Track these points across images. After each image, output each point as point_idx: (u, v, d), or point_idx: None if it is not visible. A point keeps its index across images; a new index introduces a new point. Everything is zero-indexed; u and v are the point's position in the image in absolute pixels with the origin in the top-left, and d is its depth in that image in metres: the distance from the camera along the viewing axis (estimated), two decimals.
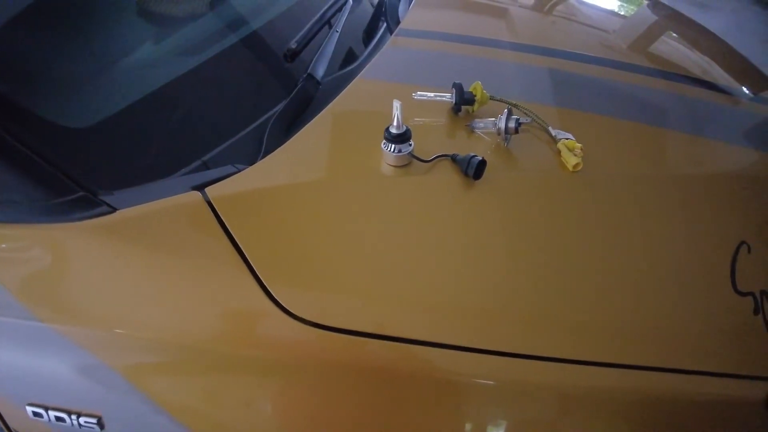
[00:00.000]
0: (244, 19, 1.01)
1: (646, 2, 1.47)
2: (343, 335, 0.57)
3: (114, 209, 0.64)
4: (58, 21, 0.72)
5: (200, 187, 0.67)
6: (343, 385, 0.58)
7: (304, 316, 0.58)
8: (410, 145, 0.69)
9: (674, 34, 1.27)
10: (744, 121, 0.94)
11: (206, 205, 0.65)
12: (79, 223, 0.63)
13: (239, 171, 0.70)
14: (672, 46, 1.21)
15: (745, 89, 1.07)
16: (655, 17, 1.37)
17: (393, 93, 0.85)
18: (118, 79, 0.75)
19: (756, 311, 0.63)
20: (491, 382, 0.57)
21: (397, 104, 0.65)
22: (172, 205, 0.65)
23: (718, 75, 1.10)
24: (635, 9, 1.44)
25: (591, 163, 0.73)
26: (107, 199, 0.64)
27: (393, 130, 0.68)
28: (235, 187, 0.67)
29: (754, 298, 0.64)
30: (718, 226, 0.72)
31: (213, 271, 0.61)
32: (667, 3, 1.45)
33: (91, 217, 0.63)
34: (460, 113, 0.80)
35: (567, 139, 0.75)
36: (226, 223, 0.63)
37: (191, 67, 0.83)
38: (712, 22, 3.58)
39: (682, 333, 0.61)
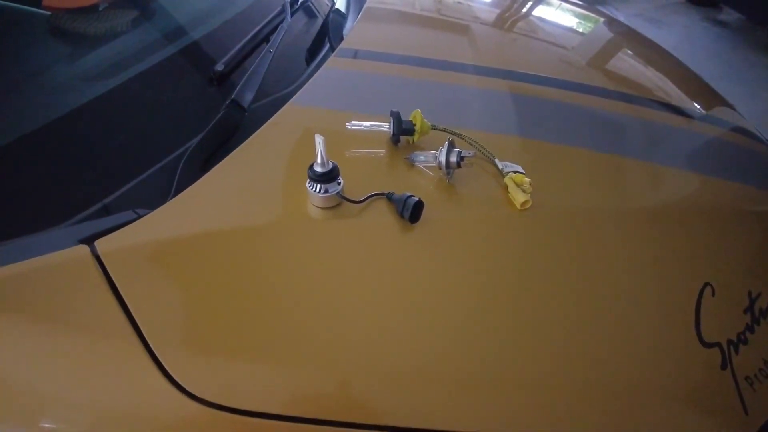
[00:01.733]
0: (165, 38, 0.91)
1: (603, 20, 1.45)
2: (251, 419, 0.48)
3: None
4: None
5: (90, 240, 0.56)
6: None
7: (204, 396, 0.48)
8: (339, 183, 0.61)
9: (629, 52, 1.23)
10: (702, 146, 0.89)
11: (94, 261, 0.55)
12: None
13: (140, 217, 0.60)
14: (627, 65, 1.17)
15: (699, 107, 1.03)
16: (611, 35, 1.34)
17: (327, 121, 0.77)
18: None
19: (723, 365, 0.57)
20: None
21: (319, 140, 0.57)
22: (55, 263, 0.54)
23: (675, 94, 1.06)
24: (592, 26, 1.40)
25: (542, 199, 0.66)
26: None
27: (317, 169, 0.59)
28: (132, 238, 0.57)
29: (721, 349, 0.58)
30: (680, 268, 0.66)
31: (100, 343, 0.51)
32: (623, 19, 1.43)
33: None
34: (399, 144, 0.73)
35: (515, 172, 0.68)
36: (116, 284, 0.53)
37: (94, 94, 0.74)
38: (665, 37, 3.68)
39: (648, 395, 0.54)
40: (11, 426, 0.49)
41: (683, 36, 3.77)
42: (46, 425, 0.49)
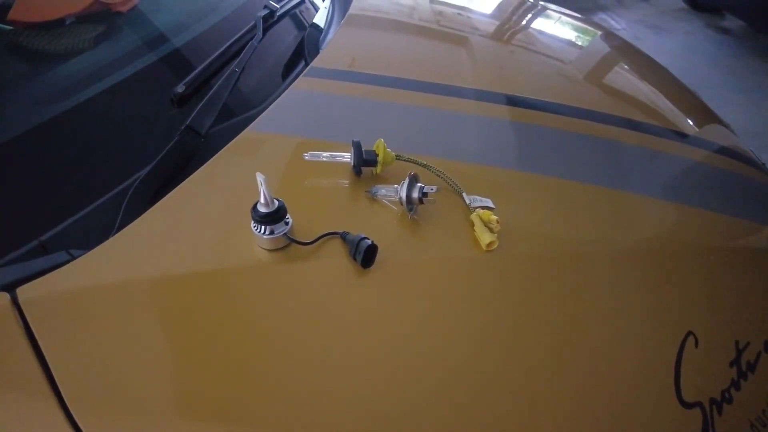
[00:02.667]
0: (126, 56, 0.86)
1: (600, 33, 1.39)
2: None
3: None
4: None
5: (14, 285, 0.52)
6: None
7: None
8: (286, 223, 0.56)
9: (619, 71, 1.18)
10: (690, 174, 0.84)
11: (14, 310, 0.50)
12: None
13: (73, 259, 0.55)
14: (616, 86, 1.11)
15: (691, 130, 0.98)
16: (601, 52, 1.28)
17: (286, 149, 0.73)
18: None
19: (705, 429, 0.52)
20: None
21: (260, 178, 0.52)
22: None
23: (667, 117, 1.01)
24: (583, 42, 1.35)
25: (511, 238, 0.61)
26: None
27: (261, 209, 0.55)
28: (60, 283, 0.53)
29: (703, 410, 0.53)
30: (661, 315, 0.60)
31: (12, 400, 0.47)
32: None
33: None
34: (361, 175, 0.68)
35: (484, 207, 0.63)
36: (36, 336, 0.49)
37: (41, 119, 0.69)
38: (667, 43, 3.61)
39: None
40: None
41: (685, 43, 3.70)
42: None
